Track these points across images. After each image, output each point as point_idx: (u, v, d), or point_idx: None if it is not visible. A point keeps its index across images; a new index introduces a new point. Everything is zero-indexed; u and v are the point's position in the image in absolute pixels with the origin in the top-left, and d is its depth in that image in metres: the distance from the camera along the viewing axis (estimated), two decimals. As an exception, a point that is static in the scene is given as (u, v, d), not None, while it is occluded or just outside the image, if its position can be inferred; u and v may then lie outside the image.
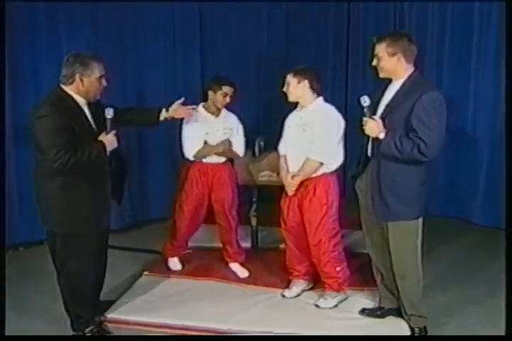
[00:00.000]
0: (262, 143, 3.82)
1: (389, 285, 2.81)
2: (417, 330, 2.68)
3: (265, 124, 5.54)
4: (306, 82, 2.91)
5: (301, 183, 2.97)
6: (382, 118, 2.47)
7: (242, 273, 3.54)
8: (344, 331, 2.74)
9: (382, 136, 2.43)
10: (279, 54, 5.70)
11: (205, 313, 2.95)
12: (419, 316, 2.68)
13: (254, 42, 5.53)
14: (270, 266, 3.66)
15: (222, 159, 3.44)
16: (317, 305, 3.04)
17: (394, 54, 2.44)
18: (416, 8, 5.12)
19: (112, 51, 4.39)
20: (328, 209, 2.94)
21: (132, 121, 2.96)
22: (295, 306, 3.07)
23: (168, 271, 3.58)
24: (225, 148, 3.34)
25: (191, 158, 3.36)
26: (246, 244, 3.95)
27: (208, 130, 3.31)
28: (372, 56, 2.54)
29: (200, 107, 3.35)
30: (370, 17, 5.65)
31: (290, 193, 3.02)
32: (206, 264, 3.71)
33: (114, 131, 2.54)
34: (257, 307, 3.04)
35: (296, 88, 2.93)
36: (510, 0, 2.84)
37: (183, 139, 3.36)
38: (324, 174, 2.96)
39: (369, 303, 3.03)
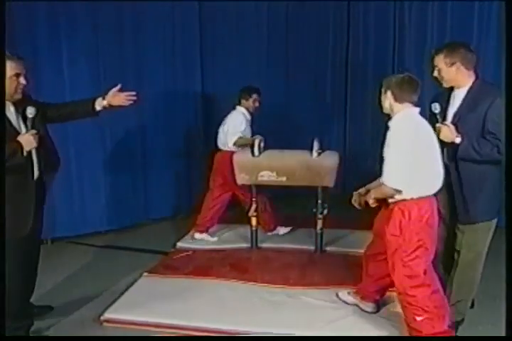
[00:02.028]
0: (261, 143, 3.82)
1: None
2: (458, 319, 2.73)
3: (265, 124, 5.57)
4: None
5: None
6: (454, 124, 2.55)
7: (284, 230, 4.37)
8: (342, 331, 2.74)
9: (458, 140, 2.50)
10: (278, 54, 5.71)
11: (204, 313, 2.95)
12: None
13: (255, 41, 5.54)
14: (270, 265, 3.70)
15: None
16: None
17: (452, 64, 2.55)
18: (415, 8, 5.14)
19: (111, 50, 4.43)
20: (401, 243, 2.46)
21: (72, 115, 2.84)
22: (295, 305, 3.07)
23: (168, 272, 3.58)
24: (260, 140, 3.85)
25: (231, 146, 4.05)
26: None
27: (246, 127, 4.08)
28: (433, 68, 2.65)
29: (243, 109, 4.17)
30: (369, 16, 5.67)
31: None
32: (205, 265, 3.72)
33: (33, 131, 2.46)
34: (256, 306, 3.05)
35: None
36: (510, 0, 2.82)
37: (227, 132, 4.10)
38: (404, 200, 2.47)
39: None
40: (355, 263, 3.64)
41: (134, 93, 2.82)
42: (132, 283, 3.39)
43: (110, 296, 3.19)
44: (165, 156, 4.97)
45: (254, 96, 4.17)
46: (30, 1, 3.87)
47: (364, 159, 5.87)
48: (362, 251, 3.92)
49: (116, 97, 2.79)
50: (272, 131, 5.31)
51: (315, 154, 3.70)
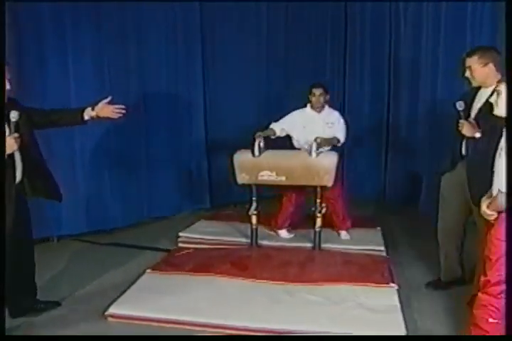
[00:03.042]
0: (261, 143, 3.85)
1: (454, 261, 3.27)
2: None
3: (265, 125, 5.64)
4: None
5: None
6: (476, 120, 2.82)
7: (345, 236, 4.32)
8: (341, 327, 2.76)
9: (478, 135, 2.79)
10: (278, 54, 5.79)
11: (205, 308, 2.99)
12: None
13: (254, 41, 5.62)
14: (270, 262, 3.75)
15: (327, 148, 4.03)
16: None
17: (486, 64, 2.82)
18: (411, 8, 5.23)
19: (115, 53, 4.51)
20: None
21: (58, 122, 2.90)
22: (294, 301, 3.10)
23: (170, 268, 3.63)
24: (259, 141, 3.83)
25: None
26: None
27: (307, 124, 4.10)
28: (464, 69, 2.91)
29: (308, 106, 4.18)
30: (366, 16, 5.77)
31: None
32: (206, 262, 3.75)
33: (15, 134, 2.53)
34: (257, 302, 3.08)
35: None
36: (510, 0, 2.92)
37: None
38: None
39: (367, 299, 3.08)
40: (352, 261, 3.76)
41: (123, 106, 2.89)
42: (135, 280, 3.44)
43: (114, 292, 3.25)
44: (168, 157, 5.06)
45: (313, 90, 4.12)
46: (35, 1, 3.93)
47: (361, 155, 5.97)
48: (358, 247, 4.07)
49: (105, 109, 2.86)
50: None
51: (314, 154, 3.77)
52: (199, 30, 5.19)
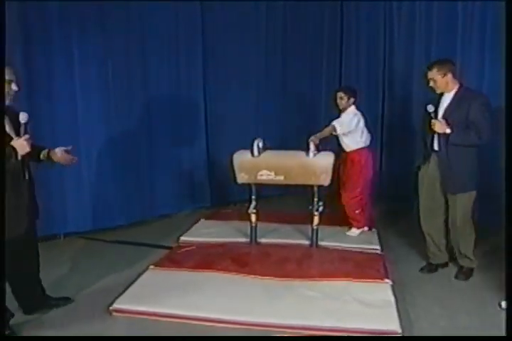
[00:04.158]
0: (260, 144, 3.94)
1: (438, 245, 3.65)
2: (465, 269, 3.53)
3: (264, 125, 5.75)
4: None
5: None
6: (445, 118, 3.29)
7: (352, 233, 4.47)
8: (338, 321, 2.83)
9: (448, 131, 3.26)
10: (276, 55, 5.87)
11: (206, 303, 3.06)
12: (469, 258, 3.51)
13: (254, 42, 5.70)
14: (269, 259, 3.83)
15: (349, 148, 4.37)
16: None
17: (445, 74, 3.32)
18: (404, 8, 5.34)
19: (119, 57, 4.59)
20: None
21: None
22: (292, 296, 3.16)
23: (172, 265, 3.71)
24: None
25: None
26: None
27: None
28: (428, 80, 3.39)
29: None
30: (361, 15, 5.88)
31: None
32: (207, 259, 3.82)
33: (27, 136, 2.53)
34: (256, 297, 3.14)
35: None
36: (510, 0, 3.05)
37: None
38: None
39: (363, 294, 3.16)
40: (348, 257, 3.87)
41: (76, 158, 2.91)
42: (139, 276, 3.51)
43: (119, 288, 3.31)
44: (169, 157, 5.14)
45: (338, 94, 4.33)
46: (32, 1, 3.98)
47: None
48: (354, 246, 4.17)
49: (58, 155, 2.82)
50: (270, 131, 5.52)
51: (311, 154, 3.87)
52: (200, 34, 5.26)
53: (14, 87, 2.57)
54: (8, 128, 2.59)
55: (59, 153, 2.82)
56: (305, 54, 6.08)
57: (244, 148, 4.01)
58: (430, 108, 3.32)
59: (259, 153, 3.95)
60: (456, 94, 3.36)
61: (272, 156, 3.99)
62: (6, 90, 2.53)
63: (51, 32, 4.14)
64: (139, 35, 4.75)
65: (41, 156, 2.84)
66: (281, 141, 5.46)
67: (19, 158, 2.54)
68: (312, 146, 3.86)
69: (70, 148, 2.86)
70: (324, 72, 6.21)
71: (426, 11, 5.10)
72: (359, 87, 5.92)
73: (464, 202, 3.41)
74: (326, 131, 4.15)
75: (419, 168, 3.62)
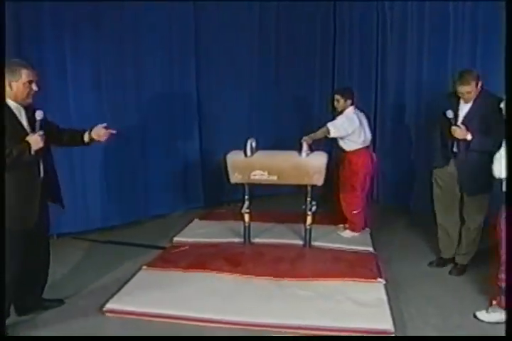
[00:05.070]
0: (253, 144, 3.95)
1: (452, 238, 3.70)
2: (459, 266, 3.65)
3: (257, 125, 5.75)
4: None
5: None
6: (464, 124, 3.30)
7: (345, 234, 4.45)
8: (331, 320, 2.85)
9: (469, 137, 3.30)
10: (269, 55, 5.88)
11: (199, 303, 3.07)
12: (466, 254, 3.63)
13: (247, 42, 5.70)
14: (262, 258, 3.85)
15: (347, 148, 4.34)
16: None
17: (477, 84, 3.30)
18: (396, 7, 5.37)
19: (112, 57, 4.58)
20: None
21: (64, 143, 3.04)
22: (286, 296, 3.17)
23: (165, 265, 3.71)
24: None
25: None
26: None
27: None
28: (461, 94, 3.34)
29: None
30: (354, 15, 5.90)
31: None
32: (201, 259, 3.83)
33: (41, 132, 2.65)
34: (249, 297, 3.16)
35: None
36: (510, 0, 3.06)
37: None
38: None
39: (356, 293, 3.19)
40: (341, 257, 3.88)
41: (114, 131, 3.04)
42: (132, 276, 3.51)
43: (112, 288, 3.33)
44: (163, 157, 5.13)
45: (335, 96, 4.33)
46: (35, 0, 3.99)
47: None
48: (347, 246, 4.16)
49: (99, 132, 2.98)
50: (263, 131, 5.52)
51: (304, 154, 3.88)
52: (193, 34, 5.25)
53: (35, 87, 2.70)
54: (26, 125, 2.70)
55: (102, 131, 2.97)
56: (298, 54, 6.08)
57: (238, 148, 4.01)
58: (449, 114, 3.32)
59: (252, 153, 3.96)
60: (475, 100, 3.36)
61: (265, 156, 4.01)
62: (28, 90, 2.66)
63: (44, 31, 4.13)
64: (132, 35, 4.74)
65: (85, 139, 3.00)
66: (275, 141, 5.46)
67: (33, 152, 2.62)
68: (305, 146, 3.87)
69: (105, 124, 3.01)
70: (317, 71, 6.23)
71: (418, 11, 5.12)
72: (352, 86, 5.96)
73: (479, 203, 3.51)
74: (320, 133, 4.13)
75: (435, 168, 3.69)
